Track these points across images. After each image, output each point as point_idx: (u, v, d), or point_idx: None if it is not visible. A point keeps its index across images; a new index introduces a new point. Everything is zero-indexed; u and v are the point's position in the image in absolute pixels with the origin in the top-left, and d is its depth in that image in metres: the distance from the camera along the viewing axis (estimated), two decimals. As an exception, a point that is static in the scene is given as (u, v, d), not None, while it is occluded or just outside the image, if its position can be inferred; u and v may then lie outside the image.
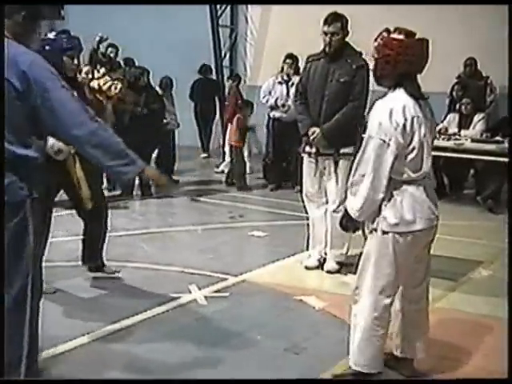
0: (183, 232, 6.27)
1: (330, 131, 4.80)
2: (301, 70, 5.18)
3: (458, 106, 8.06)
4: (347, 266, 5.02)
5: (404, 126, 2.88)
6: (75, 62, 4.29)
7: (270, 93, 8.26)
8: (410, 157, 2.93)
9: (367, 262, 3.06)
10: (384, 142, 2.87)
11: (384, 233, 2.97)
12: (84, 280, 4.64)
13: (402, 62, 2.90)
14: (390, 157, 2.88)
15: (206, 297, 4.41)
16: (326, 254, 5.09)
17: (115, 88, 7.82)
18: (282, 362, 3.53)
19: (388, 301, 3.04)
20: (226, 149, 9.32)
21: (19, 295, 2.69)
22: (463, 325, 4.00)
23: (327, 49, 4.80)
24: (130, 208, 7.25)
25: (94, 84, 7.76)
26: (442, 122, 7.83)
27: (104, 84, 7.82)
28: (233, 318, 4.11)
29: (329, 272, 5.00)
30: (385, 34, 2.95)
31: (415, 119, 2.90)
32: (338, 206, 4.75)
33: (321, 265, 5.08)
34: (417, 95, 2.96)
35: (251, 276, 4.91)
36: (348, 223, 3.08)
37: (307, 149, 4.98)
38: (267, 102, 8.28)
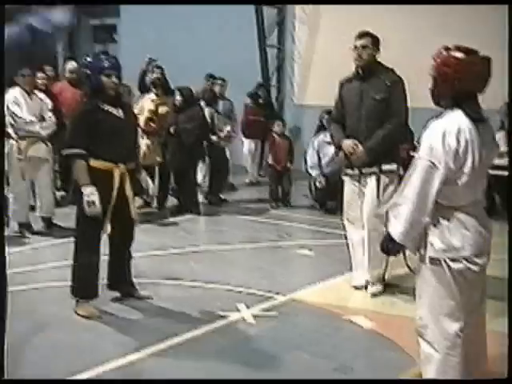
0: (231, 250, 6.31)
1: (373, 148, 4.74)
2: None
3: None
4: (395, 286, 4.97)
5: (456, 150, 2.76)
6: (114, 79, 4.30)
7: (318, 153, 8.06)
8: (459, 182, 2.81)
9: (425, 292, 2.96)
10: (434, 165, 2.78)
11: (432, 259, 2.90)
12: (131, 300, 4.67)
13: (461, 80, 2.79)
14: (438, 181, 2.79)
15: (254, 316, 4.43)
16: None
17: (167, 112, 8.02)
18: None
19: (457, 326, 2.91)
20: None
21: None
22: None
23: (357, 62, 4.78)
24: (178, 226, 7.34)
25: (151, 106, 7.90)
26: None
27: (160, 107, 7.97)
28: (281, 338, 4.11)
29: (374, 295, 4.91)
30: (443, 52, 2.85)
31: (469, 144, 2.77)
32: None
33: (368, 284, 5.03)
34: (475, 117, 2.82)
35: (299, 295, 4.90)
36: (389, 246, 2.96)
37: (349, 171, 4.95)
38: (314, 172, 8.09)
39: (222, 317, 4.39)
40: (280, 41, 11.80)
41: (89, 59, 4.45)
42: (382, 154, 4.75)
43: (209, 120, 8.34)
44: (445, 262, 2.88)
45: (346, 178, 5.03)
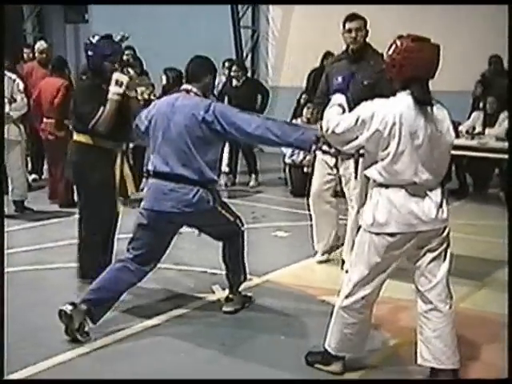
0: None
1: None
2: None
3: (481, 105, 7.96)
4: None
5: (378, 131, 2.96)
6: (116, 66, 4.45)
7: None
8: (384, 162, 3.00)
9: (357, 241, 3.23)
10: (362, 122, 3.01)
11: (364, 230, 3.12)
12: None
13: (407, 66, 2.97)
14: (361, 137, 3.01)
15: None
16: (331, 248, 5.30)
17: (150, 93, 7.89)
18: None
19: (360, 294, 3.14)
20: None
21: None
22: (488, 325, 3.97)
23: (352, 45, 4.80)
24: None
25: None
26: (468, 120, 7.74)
27: (141, 93, 7.85)
28: (256, 319, 4.13)
29: (320, 262, 5.25)
30: (396, 40, 3.04)
31: (397, 126, 2.93)
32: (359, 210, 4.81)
33: (328, 259, 5.32)
34: (422, 100, 2.98)
35: (275, 276, 4.93)
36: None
37: (325, 147, 4.98)
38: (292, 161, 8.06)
39: (198, 298, 4.39)
40: (254, 22, 11.74)
41: (93, 41, 4.40)
42: None
43: None
44: (370, 235, 3.08)
45: (319, 159, 5.09)
